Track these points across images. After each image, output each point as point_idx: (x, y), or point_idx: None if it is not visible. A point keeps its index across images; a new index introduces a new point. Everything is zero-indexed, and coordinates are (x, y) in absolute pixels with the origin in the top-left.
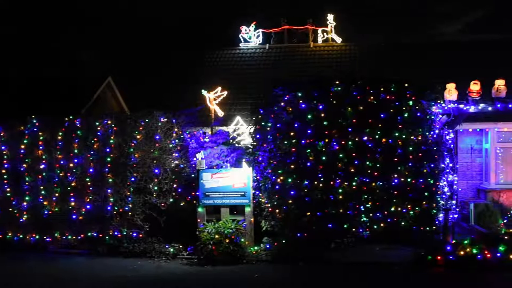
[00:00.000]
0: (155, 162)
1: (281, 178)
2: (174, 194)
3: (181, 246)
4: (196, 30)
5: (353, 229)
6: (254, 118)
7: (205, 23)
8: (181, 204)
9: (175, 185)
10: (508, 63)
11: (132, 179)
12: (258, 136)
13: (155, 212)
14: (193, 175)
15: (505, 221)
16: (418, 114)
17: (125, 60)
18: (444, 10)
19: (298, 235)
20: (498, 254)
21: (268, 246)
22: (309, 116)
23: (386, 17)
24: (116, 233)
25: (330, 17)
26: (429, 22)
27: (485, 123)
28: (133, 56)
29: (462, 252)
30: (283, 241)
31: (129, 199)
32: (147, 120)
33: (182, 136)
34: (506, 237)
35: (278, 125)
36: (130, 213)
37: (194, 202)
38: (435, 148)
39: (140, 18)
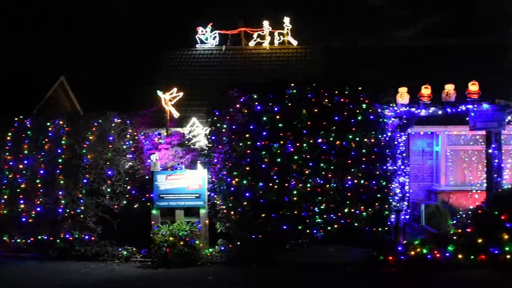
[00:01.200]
0: (108, 163)
1: (236, 180)
2: (127, 196)
3: (134, 249)
4: (152, 30)
5: (308, 230)
6: (209, 120)
7: (161, 24)
8: (135, 206)
9: (129, 187)
10: (457, 68)
11: (85, 181)
12: (213, 137)
13: (108, 215)
14: (147, 177)
15: (454, 221)
16: (372, 117)
17: (80, 60)
18: (400, 15)
19: (253, 236)
20: (447, 254)
21: (223, 248)
22: (264, 118)
23: (344, 21)
24: (68, 236)
25: (287, 20)
26: (386, 26)
27: (435, 126)
28: (88, 57)
29: (412, 252)
30: (238, 243)
31: (81, 201)
32: (100, 121)
33: (136, 137)
34: (455, 237)
35: (234, 127)
36: (82, 216)
37: (148, 204)
38: (387, 151)
39: (95, 18)
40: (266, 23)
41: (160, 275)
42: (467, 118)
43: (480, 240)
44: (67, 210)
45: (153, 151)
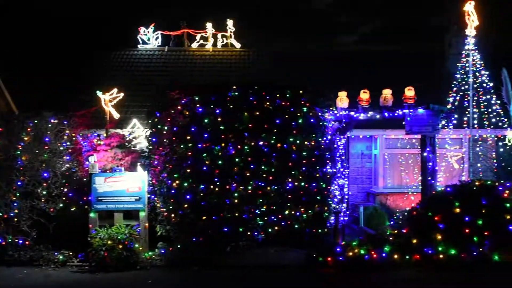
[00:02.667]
0: (44, 165)
1: (177, 182)
2: (64, 199)
3: (71, 253)
4: (93, 29)
5: (249, 233)
6: (150, 121)
7: (102, 23)
8: (72, 209)
9: (65, 190)
10: (395, 74)
11: (19, 183)
12: (154, 139)
13: (44, 218)
14: (85, 179)
15: (391, 222)
16: (312, 120)
17: (16, 59)
18: (342, 21)
19: (194, 239)
20: (384, 254)
21: (163, 251)
22: (206, 120)
23: (287, 26)
24: (0, 240)
25: (230, 23)
26: (329, 32)
27: (374, 130)
28: (25, 55)
29: (351, 253)
30: (178, 246)
31: (15, 204)
32: (36, 121)
33: (74, 139)
34: (391, 238)
35: (175, 129)
36: (15, 219)
37: (86, 207)
38: (327, 153)
39: (34, 16)
40: (209, 25)
41: (97, 279)
42: (404, 122)
43: (415, 241)
44: (0, 214)
45: (92, 152)
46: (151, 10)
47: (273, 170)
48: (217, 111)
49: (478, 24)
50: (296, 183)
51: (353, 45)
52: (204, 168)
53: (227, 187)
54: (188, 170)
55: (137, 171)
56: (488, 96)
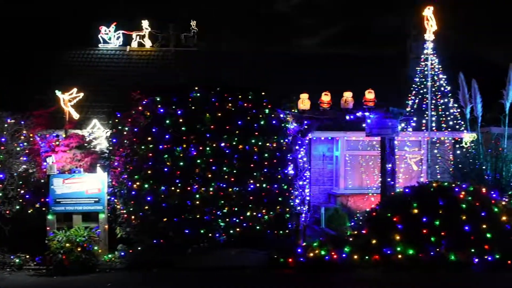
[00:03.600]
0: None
1: (138, 183)
2: (21, 200)
3: (28, 257)
4: (54, 28)
5: (210, 234)
6: (111, 122)
7: (63, 22)
8: (29, 211)
9: (22, 191)
10: (356, 77)
11: None
12: (114, 140)
13: (0, 221)
14: (43, 181)
15: (352, 223)
16: (274, 122)
17: None
18: (305, 24)
19: (154, 241)
20: (344, 255)
21: (123, 253)
22: (167, 121)
23: (251, 27)
24: None
25: (193, 23)
26: (292, 34)
27: (335, 132)
28: None
29: (311, 254)
30: (139, 248)
31: None
32: None
33: (32, 139)
34: (351, 239)
35: (136, 130)
36: None
37: (44, 209)
38: (289, 155)
39: None
40: (172, 26)
41: (55, 283)
42: (364, 125)
43: (374, 241)
44: None
45: (50, 153)
46: (112, 9)
47: (234, 171)
48: (179, 112)
49: (437, 29)
50: (257, 185)
51: (315, 48)
52: (165, 169)
53: (189, 188)
54: (149, 171)
55: (97, 172)
56: (446, 100)
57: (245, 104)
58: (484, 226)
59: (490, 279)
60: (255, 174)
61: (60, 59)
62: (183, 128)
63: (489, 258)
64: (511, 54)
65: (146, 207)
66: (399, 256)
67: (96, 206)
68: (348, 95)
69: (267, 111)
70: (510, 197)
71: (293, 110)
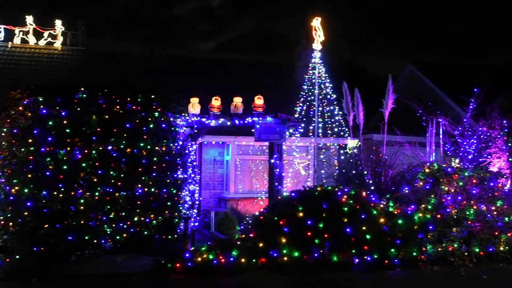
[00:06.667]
0: None
1: (17, 188)
2: None
3: None
4: None
5: (95, 241)
6: None
7: None
8: None
9: None
10: (247, 82)
11: None
12: None
13: None
14: None
15: (241, 227)
16: (164, 125)
17: None
18: (198, 29)
19: (35, 249)
20: (232, 259)
21: None
22: (50, 123)
23: (142, 30)
24: None
25: (81, 22)
26: (185, 38)
27: (226, 136)
28: None
29: (199, 259)
30: (17, 257)
31: None
32: None
33: None
34: (239, 243)
35: (15, 131)
36: None
37: None
38: (178, 159)
39: None
40: (59, 23)
41: None
42: (254, 130)
43: (261, 244)
44: None
45: None
46: None
47: (122, 175)
48: (63, 114)
49: (324, 39)
50: (146, 189)
51: (208, 53)
52: (48, 173)
53: (73, 193)
54: (29, 175)
55: None
56: (332, 107)
57: (134, 107)
58: (364, 228)
59: (369, 278)
60: (143, 178)
61: None
62: (67, 130)
63: (368, 258)
64: (392, 66)
65: (26, 213)
66: (285, 258)
67: None
68: (238, 100)
69: (156, 114)
70: (388, 200)
71: (183, 114)
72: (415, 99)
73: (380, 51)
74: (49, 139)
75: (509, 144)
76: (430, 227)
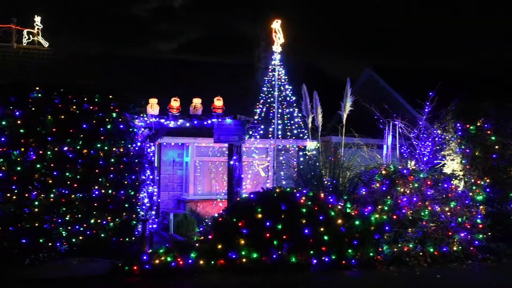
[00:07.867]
0: None
1: None
2: None
3: None
4: None
5: (50, 244)
6: None
7: None
8: None
9: None
10: (207, 83)
11: None
12: None
13: None
14: None
15: (200, 229)
16: (121, 126)
17: None
18: (159, 29)
19: None
20: (190, 261)
21: None
22: (3, 123)
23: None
24: None
25: (38, 19)
26: (146, 38)
27: (186, 137)
28: None
29: (157, 261)
30: None
31: None
32: None
33: None
34: (197, 244)
35: None
36: None
37: None
38: (136, 160)
39: None
40: (14, 20)
41: None
42: (213, 131)
43: (220, 246)
44: None
45: None
46: None
47: (78, 177)
48: (17, 113)
49: (284, 42)
50: (103, 191)
51: (168, 54)
52: (0, 174)
53: (27, 195)
54: None
55: None
56: (291, 109)
57: (91, 107)
58: (322, 229)
59: (327, 278)
60: (100, 180)
61: None
62: (21, 131)
63: (326, 259)
64: (352, 69)
65: None
66: (244, 260)
67: None
68: (197, 102)
69: (114, 115)
70: (346, 202)
71: (142, 115)
72: (373, 102)
73: (341, 54)
74: (2, 139)
75: (462, 147)
76: (387, 228)
